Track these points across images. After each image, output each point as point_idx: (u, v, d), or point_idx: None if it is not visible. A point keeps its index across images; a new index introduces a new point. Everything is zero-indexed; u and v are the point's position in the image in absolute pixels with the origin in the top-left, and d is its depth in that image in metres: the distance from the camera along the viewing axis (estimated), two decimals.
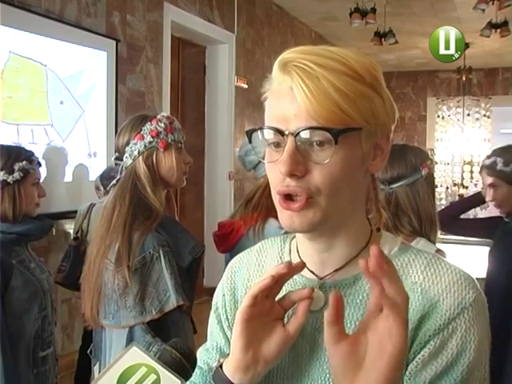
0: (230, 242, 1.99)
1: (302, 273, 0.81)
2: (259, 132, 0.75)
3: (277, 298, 0.82)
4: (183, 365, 0.77)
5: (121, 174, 1.65)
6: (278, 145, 0.73)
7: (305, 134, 0.71)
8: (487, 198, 2.19)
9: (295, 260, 0.84)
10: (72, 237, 3.24)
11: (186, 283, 1.60)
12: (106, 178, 3.26)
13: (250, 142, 0.77)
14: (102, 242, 1.59)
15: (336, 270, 0.79)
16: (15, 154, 1.93)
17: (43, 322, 1.94)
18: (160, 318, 1.52)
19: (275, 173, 0.74)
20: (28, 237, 1.98)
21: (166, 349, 0.78)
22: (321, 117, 0.70)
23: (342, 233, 0.78)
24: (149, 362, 0.74)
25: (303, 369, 0.79)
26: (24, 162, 1.91)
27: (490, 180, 2.13)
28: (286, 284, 0.82)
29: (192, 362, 0.79)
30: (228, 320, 0.89)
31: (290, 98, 0.71)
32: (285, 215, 0.75)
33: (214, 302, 0.92)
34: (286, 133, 0.71)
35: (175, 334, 1.51)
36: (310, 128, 0.70)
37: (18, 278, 1.86)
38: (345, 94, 0.70)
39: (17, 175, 1.88)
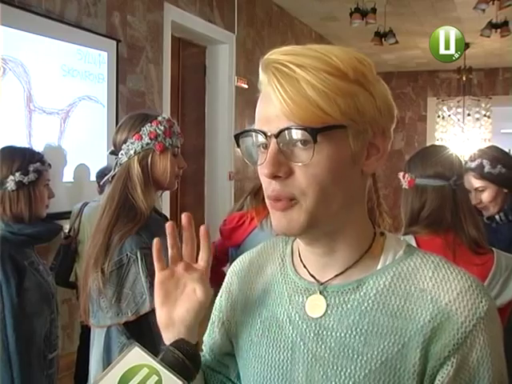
0: (241, 234, 1.97)
1: (304, 276, 0.80)
2: (247, 135, 0.75)
3: (276, 299, 0.82)
4: (186, 365, 0.76)
5: (114, 169, 1.66)
6: (266, 146, 0.73)
7: (286, 135, 0.70)
8: (473, 201, 2.08)
9: (297, 262, 0.83)
10: (64, 236, 3.25)
11: None
12: (100, 176, 3.28)
13: (238, 146, 0.77)
14: (91, 241, 1.62)
15: (337, 275, 0.77)
16: (29, 156, 1.96)
17: (51, 325, 1.96)
18: (140, 321, 1.52)
19: (263, 176, 0.74)
20: (38, 239, 1.99)
21: (168, 349, 0.78)
22: (298, 117, 0.69)
23: (340, 236, 0.76)
24: (150, 363, 0.73)
25: (305, 375, 0.77)
26: (38, 164, 1.94)
27: (477, 183, 2.07)
28: (287, 287, 0.82)
29: (195, 363, 0.79)
30: (223, 322, 0.90)
31: (272, 99, 0.71)
32: (274, 217, 0.75)
33: (215, 301, 0.93)
34: (269, 134, 0.72)
35: (158, 337, 1.53)
36: (288, 129, 0.70)
37: (30, 280, 1.88)
38: (323, 92, 0.69)
39: (32, 176, 1.91)
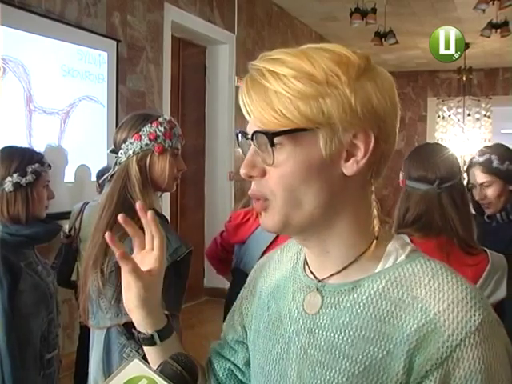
0: (246, 231, 1.98)
1: (308, 274, 0.82)
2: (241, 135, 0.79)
3: (283, 294, 0.84)
4: (184, 377, 0.77)
5: (113, 168, 1.66)
6: None
7: (256, 138, 0.73)
8: (477, 197, 2.10)
9: (305, 260, 0.84)
10: (65, 235, 3.25)
11: (171, 285, 1.60)
12: (100, 176, 3.28)
13: (239, 144, 0.80)
14: (90, 240, 1.62)
15: (332, 275, 0.77)
16: (28, 157, 1.95)
17: (49, 325, 1.96)
18: None
19: None
20: (36, 240, 1.98)
21: (167, 361, 0.78)
22: (261, 122, 0.72)
23: (330, 236, 0.76)
24: (149, 375, 0.74)
25: (296, 371, 0.78)
26: (36, 165, 1.93)
27: (484, 178, 2.05)
28: (292, 283, 0.84)
29: (193, 375, 0.79)
30: (242, 312, 0.93)
31: None
32: (259, 216, 0.78)
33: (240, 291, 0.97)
34: (248, 136, 0.75)
35: None
36: (255, 133, 0.73)
37: (26, 282, 1.87)
38: (287, 98, 0.70)
39: (30, 177, 1.90)
